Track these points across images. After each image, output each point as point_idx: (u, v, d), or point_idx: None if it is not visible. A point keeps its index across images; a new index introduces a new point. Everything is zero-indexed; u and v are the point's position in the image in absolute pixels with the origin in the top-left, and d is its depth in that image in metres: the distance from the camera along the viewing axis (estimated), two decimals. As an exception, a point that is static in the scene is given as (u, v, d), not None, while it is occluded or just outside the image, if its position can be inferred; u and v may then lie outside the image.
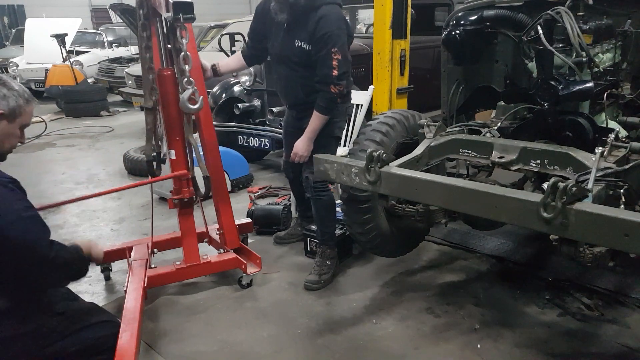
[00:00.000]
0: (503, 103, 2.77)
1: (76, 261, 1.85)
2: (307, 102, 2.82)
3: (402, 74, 3.98)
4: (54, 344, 1.86)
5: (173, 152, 2.64)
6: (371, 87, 3.91)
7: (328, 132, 2.87)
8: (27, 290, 1.77)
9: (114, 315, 2.24)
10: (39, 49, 10.41)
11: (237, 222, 3.09)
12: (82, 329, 1.95)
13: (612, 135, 2.20)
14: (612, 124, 2.61)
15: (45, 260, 1.67)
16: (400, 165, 2.26)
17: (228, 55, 5.30)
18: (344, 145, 3.89)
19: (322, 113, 2.74)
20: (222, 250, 3.04)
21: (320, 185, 2.92)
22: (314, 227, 3.24)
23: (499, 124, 2.61)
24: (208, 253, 2.99)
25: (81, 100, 8.79)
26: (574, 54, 2.39)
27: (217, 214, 2.97)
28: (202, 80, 2.84)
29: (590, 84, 2.33)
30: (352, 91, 4.06)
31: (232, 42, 6.08)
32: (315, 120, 2.76)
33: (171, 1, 2.23)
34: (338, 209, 3.35)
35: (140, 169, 5.02)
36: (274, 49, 2.87)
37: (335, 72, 2.64)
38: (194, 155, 2.67)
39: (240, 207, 3.85)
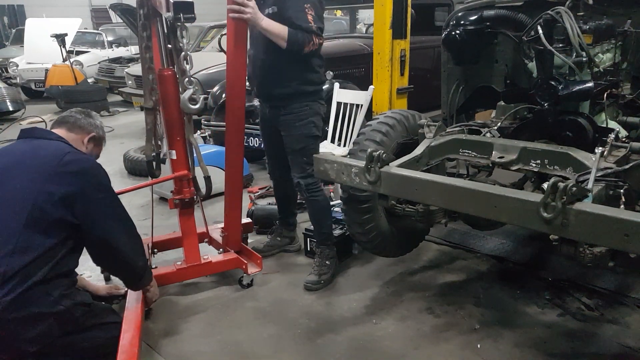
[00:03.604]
0: (503, 103, 2.77)
1: (138, 238, 2.27)
2: (274, 94, 2.77)
3: (402, 74, 3.98)
4: (70, 334, 1.95)
5: (174, 152, 2.64)
6: (371, 87, 3.91)
7: (306, 132, 2.82)
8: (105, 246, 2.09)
9: (120, 316, 2.26)
10: (39, 49, 10.41)
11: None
12: (97, 326, 2.07)
13: (612, 135, 2.20)
14: (612, 124, 2.61)
15: (122, 214, 2.20)
16: (400, 165, 2.26)
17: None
18: (344, 145, 3.89)
19: (288, 37, 2.55)
20: (222, 251, 3.04)
21: (313, 186, 2.90)
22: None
23: (499, 124, 2.61)
24: (208, 253, 2.99)
25: (81, 100, 8.77)
26: (574, 54, 2.39)
27: (225, 214, 2.93)
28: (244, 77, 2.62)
29: (590, 84, 2.33)
30: (352, 91, 4.09)
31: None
32: (277, 28, 2.54)
33: (172, 1, 2.23)
34: (338, 209, 3.35)
35: (140, 169, 5.02)
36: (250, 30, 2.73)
37: (313, 26, 2.58)
38: (195, 155, 2.67)
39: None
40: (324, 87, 4.55)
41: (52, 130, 2.21)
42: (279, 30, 2.55)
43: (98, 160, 2.26)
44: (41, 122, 7.15)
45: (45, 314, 1.87)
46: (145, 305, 2.47)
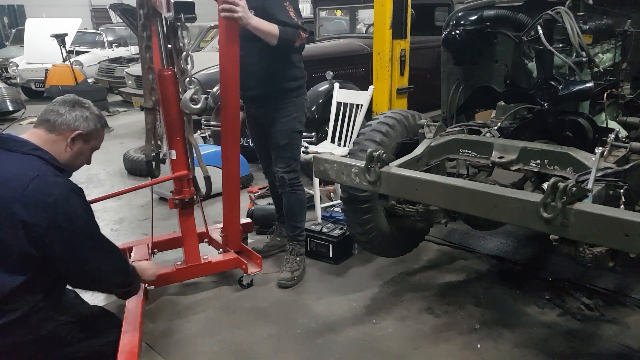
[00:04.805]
0: (503, 103, 2.77)
1: (121, 260, 2.09)
2: (262, 95, 2.82)
3: (402, 74, 3.98)
4: (61, 349, 1.91)
5: (174, 152, 2.64)
6: (371, 87, 3.91)
7: (291, 127, 2.88)
8: (77, 276, 1.93)
9: (119, 317, 2.25)
10: (39, 49, 10.41)
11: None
12: (89, 336, 1.99)
13: (612, 135, 2.20)
14: (612, 124, 2.61)
15: (101, 241, 1.94)
16: (400, 165, 2.26)
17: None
18: (344, 145, 3.89)
19: (280, 33, 2.57)
20: (221, 251, 3.04)
21: (295, 181, 2.96)
22: (314, 227, 3.25)
23: (499, 124, 2.61)
24: (208, 253, 2.99)
25: (81, 100, 8.77)
26: (574, 54, 2.39)
27: (224, 215, 2.94)
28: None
29: (590, 84, 2.33)
30: (352, 91, 4.09)
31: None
32: (268, 26, 2.55)
33: (172, 1, 2.23)
34: (337, 209, 3.35)
35: (140, 169, 5.02)
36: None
37: (298, 21, 2.64)
38: (195, 155, 2.67)
39: (240, 207, 3.84)
40: (325, 87, 4.57)
41: (31, 134, 1.91)
42: (269, 28, 2.57)
43: (96, 154, 2.12)
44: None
45: (27, 342, 1.80)
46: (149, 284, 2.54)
